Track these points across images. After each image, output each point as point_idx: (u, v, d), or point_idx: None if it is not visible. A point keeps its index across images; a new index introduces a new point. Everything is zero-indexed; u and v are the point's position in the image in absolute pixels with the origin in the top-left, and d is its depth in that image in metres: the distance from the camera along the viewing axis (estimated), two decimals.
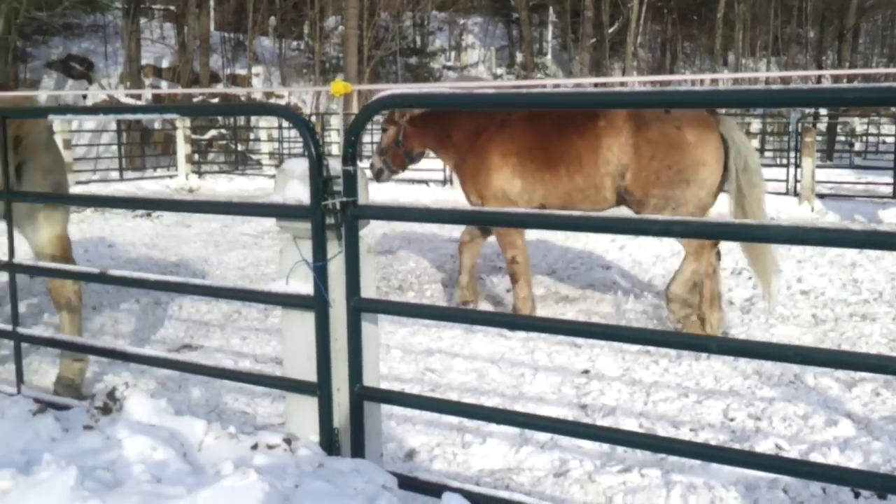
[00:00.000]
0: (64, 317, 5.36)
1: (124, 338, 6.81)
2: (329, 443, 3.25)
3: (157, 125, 25.35)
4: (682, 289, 6.67)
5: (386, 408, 4.22)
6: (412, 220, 3.19)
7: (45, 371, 5.89)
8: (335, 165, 3.15)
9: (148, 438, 2.80)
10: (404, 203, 15.27)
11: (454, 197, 16.72)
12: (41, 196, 4.53)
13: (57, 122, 16.30)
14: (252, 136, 27.30)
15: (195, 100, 24.43)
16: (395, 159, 8.06)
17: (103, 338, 6.75)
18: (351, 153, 3.09)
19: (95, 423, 3.08)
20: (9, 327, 4.35)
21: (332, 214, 3.15)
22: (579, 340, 6.36)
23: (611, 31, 40.48)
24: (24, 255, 4.96)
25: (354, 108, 26.27)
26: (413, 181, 18.57)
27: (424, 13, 44.76)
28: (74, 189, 17.45)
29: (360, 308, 3.23)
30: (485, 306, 7.89)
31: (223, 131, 25.89)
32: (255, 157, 25.43)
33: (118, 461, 2.69)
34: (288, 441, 3.03)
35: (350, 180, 3.10)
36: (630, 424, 4.90)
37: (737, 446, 4.46)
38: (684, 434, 4.79)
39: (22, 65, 30.02)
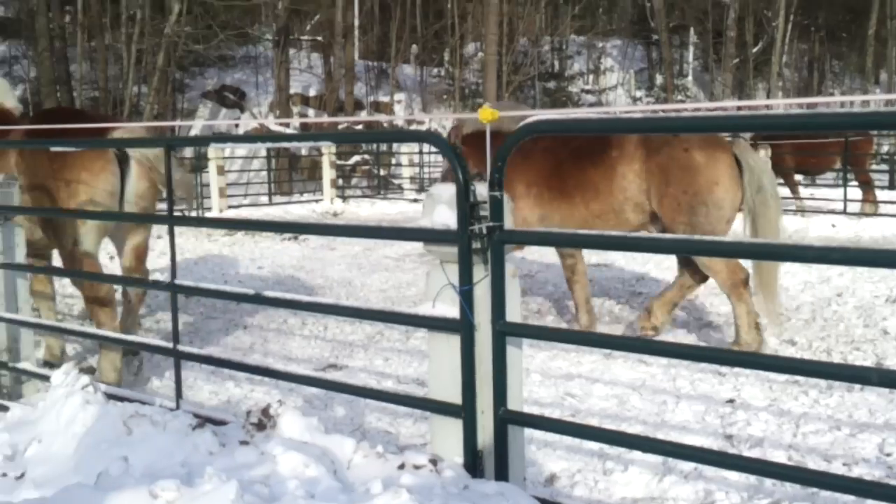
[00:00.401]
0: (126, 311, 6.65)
1: (273, 356, 7.04)
2: (473, 465, 3.28)
3: (304, 151, 26.22)
4: (750, 336, 6.75)
5: (526, 431, 4.23)
6: (559, 244, 3.20)
7: (199, 387, 6.16)
8: (482, 190, 3.20)
9: (301, 455, 2.90)
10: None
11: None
12: (207, 221, 4.77)
13: (211, 149, 17.11)
14: (394, 161, 27.86)
15: (340, 127, 25.15)
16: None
17: (253, 356, 7.00)
18: (498, 178, 3.13)
19: (251, 438, 3.21)
20: (169, 344, 4.58)
21: (479, 239, 3.19)
22: (724, 368, 6.19)
23: (755, 50, 39.38)
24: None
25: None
26: None
27: (563, 37, 44.69)
28: (227, 213, 18.24)
29: (505, 332, 3.25)
30: (623, 331, 7.79)
31: (366, 157, 26.54)
32: (396, 181, 25.94)
33: (273, 476, 2.80)
34: (434, 462, 3.08)
35: (497, 205, 3.14)
36: (778, 457, 4.73)
37: (894, 483, 4.24)
38: (837, 468, 4.59)
39: (180, 95, 31.66)
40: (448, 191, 3.25)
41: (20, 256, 5.54)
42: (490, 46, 29.32)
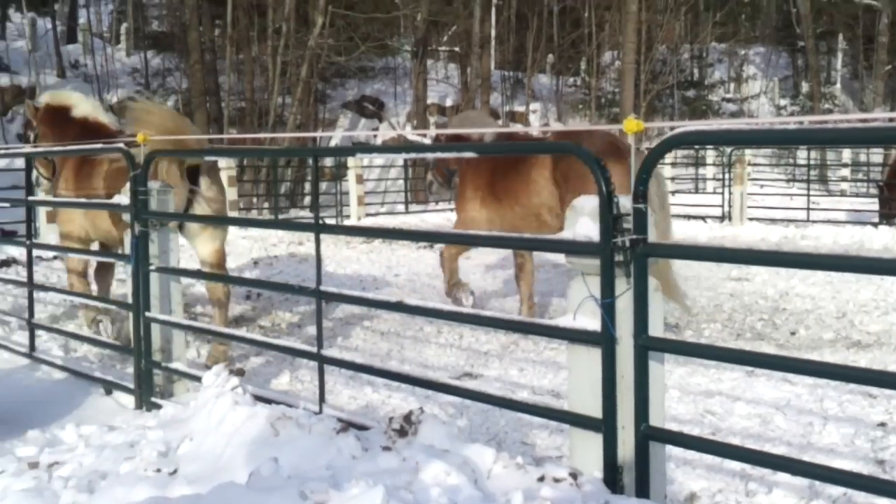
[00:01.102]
0: (216, 312, 7.16)
1: (409, 363, 7.14)
2: (612, 480, 3.24)
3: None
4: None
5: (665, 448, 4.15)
6: (704, 259, 3.13)
7: (338, 391, 6.30)
8: (625, 203, 3.17)
9: (442, 463, 2.93)
10: (694, 241, 14.95)
11: (732, 233, 16.15)
12: (352, 230, 4.89)
13: (351, 159, 17.53)
14: None
15: (475, 136, 25.29)
16: (439, 174, 9.44)
17: (391, 362, 7.12)
18: (642, 191, 3.09)
19: (393, 444, 3.27)
20: (313, 349, 4.72)
21: (622, 252, 3.16)
22: (874, 390, 5.91)
23: None
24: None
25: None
26: (689, 217, 18.13)
27: (703, 45, 43.70)
28: (365, 220, 18.62)
29: (647, 346, 3.21)
30: (766, 348, 7.54)
31: None
32: None
33: (415, 483, 2.84)
34: (574, 475, 3.06)
35: (640, 218, 3.11)
36: None
37: None
38: None
39: (321, 105, 32.57)
40: (591, 202, 3.23)
41: (174, 260, 5.81)
42: (628, 55, 28.96)
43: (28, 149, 7.70)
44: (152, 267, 5.65)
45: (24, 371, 6.73)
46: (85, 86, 32.21)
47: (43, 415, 5.53)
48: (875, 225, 16.04)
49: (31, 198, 7.07)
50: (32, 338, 7.02)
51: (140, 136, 5.94)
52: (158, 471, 3.78)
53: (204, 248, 7.02)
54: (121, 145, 6.11)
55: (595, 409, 3.31)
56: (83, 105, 8.20)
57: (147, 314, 5.65)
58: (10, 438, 4.96)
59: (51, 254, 12.05)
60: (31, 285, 7.12)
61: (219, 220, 6.38)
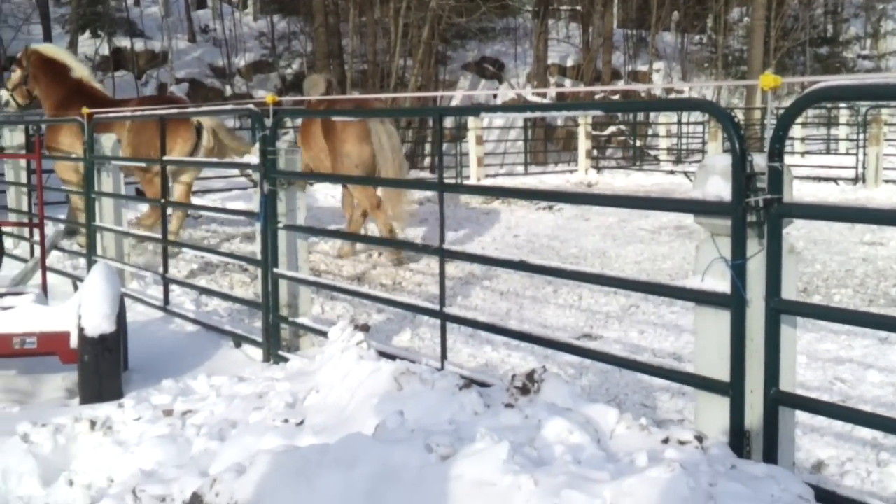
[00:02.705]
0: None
1: (528, 323, 7.13)
2: (739, 445, 3.17)
3: (559, 122, 26.24)
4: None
5: None
6: (844, 220, 3.01)
7: (458, 349, 6.36)
8: (759, 161, 3.06)
9: (565, 421, 2.92)
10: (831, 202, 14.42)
11: (866, 196, 15.47)
12: (474, 189, 4.86)
13: (471, 120, 17.53)
14: (650, 131, 27.26)
15: (597, 96, 24.88)
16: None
17: (510, 322, 7.13)
18: (778, 148, 2.98)
19: (515, 401, 3.28)
20: (436, 307, 4.77)
21: (755, 212, 3.06)
22: None
23: None
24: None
25: (757, 102, 25.22)
26: (820, 179, 17.44)
27: None
28: (484, 181, 18.63)
29: (779, 309, 3.11)
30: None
31: (622, 127, 26.15)
32: (652, 152, 25.38)
33: (538, 440, 2.84)
34: (699, 439, 3.00)
35: (776, 177, 3.00)
36: None
37: None
38: None
39: (442, 67, 32.59)
40: (723, 161, 3.13)
41: (301, 219, 5.95)
42: (757, 11, 27.95)
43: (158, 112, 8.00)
44: (280, 225, 5.80)
45: (159, 324, 7.04)
46: (214, 49, 33.15)
47: (176, 365, 5.79)
48: None
49: (165, 158, 7.34)
50: (167, 292, 7.33)
51: (269, 98, 6.07)
52: (286, 421, 3.90)
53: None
54: (250, 106, 6.27)
55: (722, 373, 3.24)
56: (81, 69, 10.45)
57: (275, 270, 5.82)
58: (146, 387, 5.22)
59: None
60: (165, 241, 7.42)
61: (346, 179, 6.47)
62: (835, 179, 17.31)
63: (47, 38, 24.03)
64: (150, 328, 6.86)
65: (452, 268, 9.06)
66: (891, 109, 21.80)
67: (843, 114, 24.59)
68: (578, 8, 35.69)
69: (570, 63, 34.72)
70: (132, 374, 5.57)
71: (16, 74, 10.74)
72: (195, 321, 6.88)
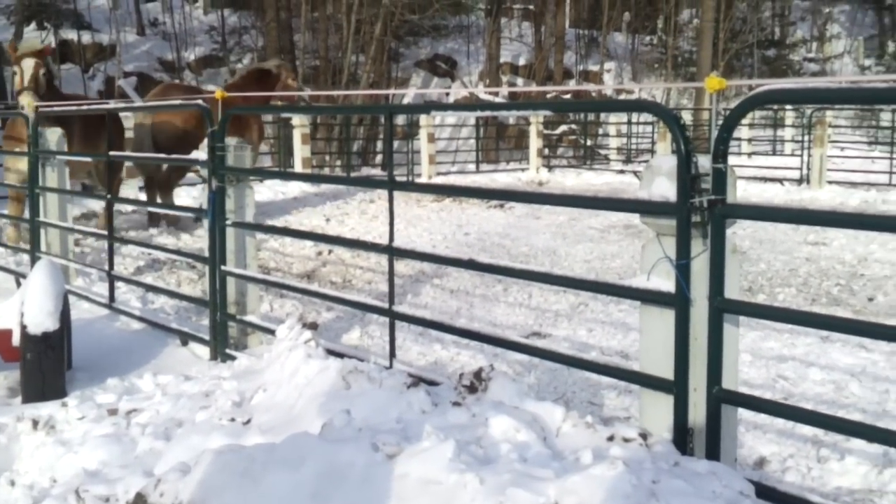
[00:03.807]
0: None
1: (478, 321, 7.15)
2: (683, 442, 3.22)
3: (511, 120, 26.36)
4: None
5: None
6: (785, 221, 3.06)
7: (408, 347, 6.36)
8: (704, 163, 3.10)
9: (511, 419, 2.94)
10: (773, 203, 14.66)
11: (810, 196, 15.78)
12: (424, 187, 4.88)
13: (424, 118, 17.52)
14: (601, 131, 27.51)
15: (549, 96, 25.04)
16: None
17: (460, 320, 7.14)
18: (723, 150, 3.02)
19: (462, 400, 3.29)
20: (385, 305, 4.76)
21: (699, 212, 3.11)
22: None
23: None
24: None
25: (705, 104, 25.58)
26: (766, 179, 17.74)
27: (786, 2, 42.45)
28: (436, 179, 18.65)
29: (723, 308, 3.16)
30: (842, 314, 7.37)
31: (573, 127, 26.35)
32: (602, 152, 25.62)
33: (485, 438, 2.86)
34: (643, 436, 3.04)
35: (720, 178, 3.04)
36: None
37: None
38: None
39: (394, 64, 32.56)
40: (669, 162, 3.17)
41: (249, 215, 5.90)
42: (706, 13, 28.36)
43: (112, 104, 7.88)
44: (228, 222, 5.75)
45: (104, 321, 6.93)
46: (164, 43, 32.73)
47: (122, 364, 5.70)
48: None
49: (111, 153, 7.23)
50: (112, 289, 7.22)
51: (218, 93, 6.02)
52: (233, 420, 3.88)
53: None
54: (199, 101, 6.20)
55: (667, 371, 3.28)
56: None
57: (223, 268, 5.76)
58: (90, 386, 5.14)
59: (130, 207, 12.37)
60: (111, 238, 7.31)
61: (296, 177, 6.44)
62: (780, 180, 17.62)
63: None
64: (96, 326, 6.75)
65: (403, 266, 9.05)
66: (835, 112, 22.27)
67: (789, 115, 25.05)
68: (531, 7, 35.93)
69: (522, 62, 34.91)
70: (76, 373, 5.48)
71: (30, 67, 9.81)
72: (141, 319, 6.79)
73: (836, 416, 4.39)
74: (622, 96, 30.73)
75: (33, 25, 29.17)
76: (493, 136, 26.26)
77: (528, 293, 8.07)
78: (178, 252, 8.41)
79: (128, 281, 7.52)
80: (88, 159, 9.76)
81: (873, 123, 30.48)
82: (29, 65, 9.62)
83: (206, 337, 5.96)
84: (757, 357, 6.03)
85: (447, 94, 25.77)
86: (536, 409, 3.16)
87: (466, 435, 2.90)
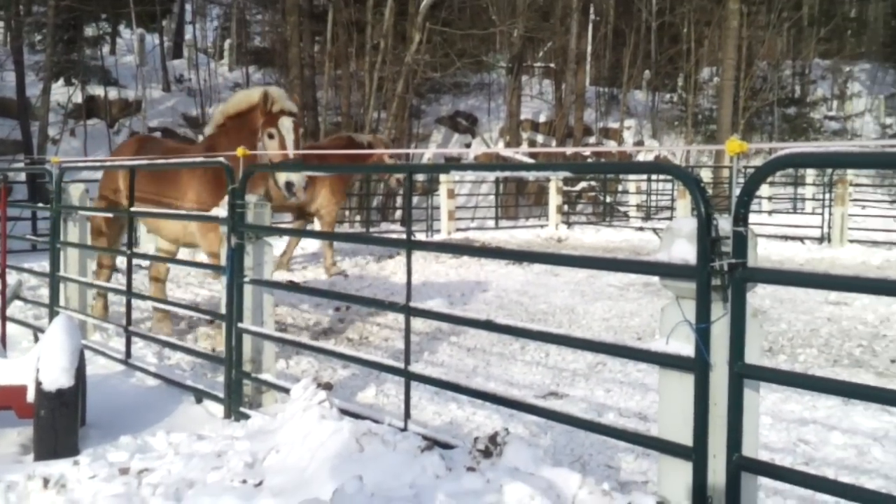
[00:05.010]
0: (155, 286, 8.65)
1: (495, 380, 7.08)
2: None
3: (531, 177, 26.45)
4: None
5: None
6: (805, 285, 3.01)
7: (423, 406, 6.29)
8: (724, 225, 3.07)
9: (527, 486, 2.88)
10: (792, 263, 14.55)
11: (832, 255, 15.64)
12: (443, 246, 4.85)
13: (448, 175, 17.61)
14: (620, 188, 27.55)
15: (569, 153, 25.14)
16: None
17: (476, 379, 7.08)
18: (743, 213, 2.99)
19: (477, 465, 3.23)
20: (400, 364, 4.71)
21: (719, 276, 3.07)
22: None
23: None
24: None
25: (725, 162, 25.59)
26: (787, 238, 17.63)
27: (806, 61, 42.65)
28: (455, 235, 18.67)
29: (743, 374, 3.10)
30: (864, 376, 7.24)
31: (593, 183, 26.41)
32: (622, 208, 25.62)
33: None
34: None
35: (740, 241, 3.01)
36: None
37: None
38: None
39: (416, 120, 32.87)
40: (689, 225, 3.14)
41: (268, 273, 5.90)
42: (727, 71, 28.49)
43: (133, 162, 7.94)
44: (247, 279, 5.74)
45: (119, 377, 6.92)
46: (188, 99, 33.22)
47: (135, 421, 5.67)
48: None
49: (132, 209, 7.28)
50: (129, 345, 7.21)
51: (239, 151, 6.06)
52: (244, 482, 3.82)
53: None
54: (221, 159, 6.24)
55: (686, 437, 3.21)
56: None
57: (240, 325, 5.74)
58: (102, 443, 5.10)
59: (148, 263, 12.42)
60: (129, 293, 7.32)
61: (315, 235, 6.46)
62: (801, 238, 17.51)
63: (20, 85, 23.97)
64: (111, 382, 6.73)
65: (420, 323, 9.00)
66: (856, 170, 22.21)
67: (810, 174, 25.01)
68: (552, 65, 36.28)
69: (542, 119, 35.15)
70: (90, 430, 5.45)
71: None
72: (156, 375, 6.77)
73: (856, 485, 4.29)
74: (642, 155, 30.82)
75: (61, 81, 29.69)
76: (512, 192, 26.35)
77: (545, 352, 8.00)
78: (196, 308, 8.42)
79: (144, 337, 7.51)
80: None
81: (895, 182, 30.39)
82: (289, 126, 7.42)
83: (221, 395, 5.91)
84: (777, 420, 5.92)
85: (468, 151, 25.96)
86: (552, 476, 3.09)
87: (480, 501, 2.84)
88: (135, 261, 9.04)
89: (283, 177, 7.18)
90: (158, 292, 8.66)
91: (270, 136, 7.37)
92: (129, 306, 7.35)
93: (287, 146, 7.33)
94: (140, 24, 33.85)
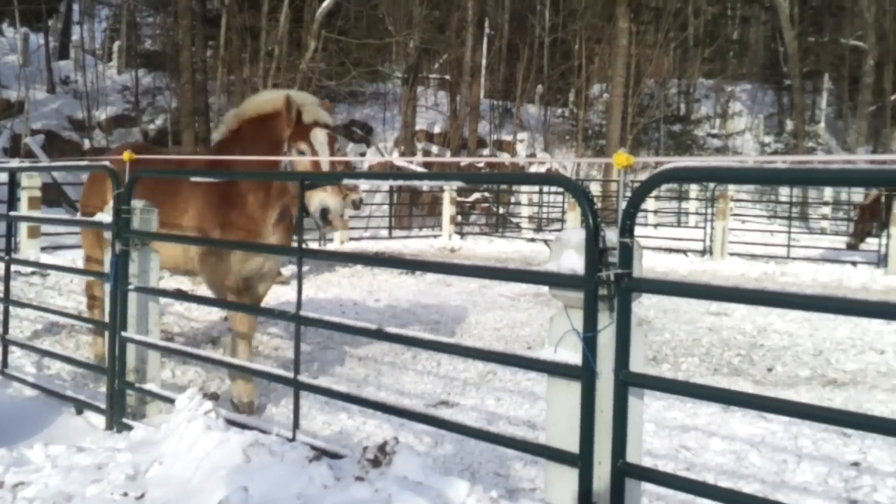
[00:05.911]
0: (240, 344, 6.43)
1: (386, 389, 7.07)
2: None
3: (425, 187, 26.54)
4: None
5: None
6: (691, 296, 3.10)
7: (313, 416, 6.23)
8: (611, 237, 3.14)
9: (415, 496, 2.88)
10: (675, 274, 14.99)
11: (713, 268, 16.20)
12: (337, 255, 4.84)
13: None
14: (513, 199, 27.91)
15: (463, 164, 25.38)
16: None
17: (367, 388, 7.05)
18: (630, 225, 3.06)
19: (366, 474, 3.21)
20: (290, 374, 4.65)
21: (606, 286, 3.13)
22: (849, 430, 5.89)
23: (893, 97, 38.01)
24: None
25: (613, 175, 26.23)
26: (671, 250, 18.19)
27: (691, 80, 44.13)
28: (348, 245, 18.57)
29: (628, 382, 3.17)
30: (743, 384, 7.51)
31: (486, 195, 26.68)
32: (514, 220, 25.95)
33: None
34: None
35: (626, 252, 3.08)
36: None
37: None
38: None
39: None
40: (577, 235, 3.20)
41: (153, 280, 5.74)
42: (616, 88, 29.21)
43: (14, 164, 7.62)
44: (131, 286, 5.58)
45: None
46: (74, 102, 32.15)
47: (11, 433, 5.42)
48: (854, 264, 16.15)
49: (12, 213, 6.98)
50: (6, 354, 6.91)
51: (126, 155, 5.89)
52: (125, 494, 3.70)
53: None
54: (106, 163, 6.05)
55: (572, 444, 3.26)
56: None
57: (123, 333, 5.57)
58: None
59: (29, 269, 11.94)
60: (7, 301, 7.02)
61: (200, 242, 6.31)
62: (684, 251, 18.10)
63: None
64: None
65: (312, 332, 8.92)
66: (737, 186, 23.08)
67: (693, 189, 25.85)
68: (447, 77, 36.54)
69: (437, 129, 35.33)
70: None
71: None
72: (35, 385, 6.49)
73: (735, 489, 4.45)
74: (534, 167, 31.31)
75: None
76: (406, 202, 26.37)
77: (436, 361, 8.02)
78: (77, 317, 8.13)
79: (22, 346, 7.21)
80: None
81: (773, 198, 31.70)
82: (323, 140, 6.06)
83: (103, 405, 5.72)
84: (660, 427, 6.09)
85: (362, 160, 25.86)
86: (441, 485, 3.10)
87: None
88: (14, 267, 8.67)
89: (316, 201, 5.71)
90: (246, 352, 6.54)
91: (301, 153, 6.00)
92: (6, 314, 7.05)
93: (322, 166, 5.94)
94: (24, 22, 32.58)
